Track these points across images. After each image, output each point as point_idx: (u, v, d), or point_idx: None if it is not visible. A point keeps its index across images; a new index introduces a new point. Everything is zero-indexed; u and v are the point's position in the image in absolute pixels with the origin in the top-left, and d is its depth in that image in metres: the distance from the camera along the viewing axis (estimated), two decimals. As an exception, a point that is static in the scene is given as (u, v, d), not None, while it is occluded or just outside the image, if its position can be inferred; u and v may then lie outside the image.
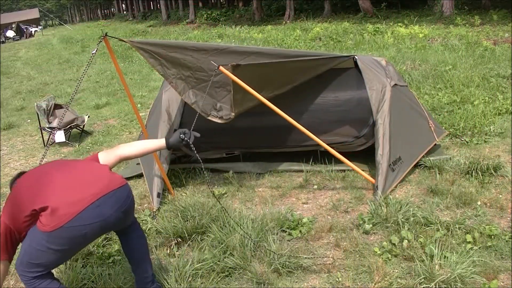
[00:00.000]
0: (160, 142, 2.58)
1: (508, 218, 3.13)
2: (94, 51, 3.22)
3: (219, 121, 3.52)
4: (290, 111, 4.05)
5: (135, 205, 3.85)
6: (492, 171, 3.73)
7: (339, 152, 3.72)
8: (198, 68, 3.34)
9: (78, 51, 18.39)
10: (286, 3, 22.32)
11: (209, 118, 3.54)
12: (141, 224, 3.44)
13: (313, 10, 22.61)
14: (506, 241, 2.84)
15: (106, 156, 2.53)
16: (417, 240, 2.90)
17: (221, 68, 3.19)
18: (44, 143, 6.07)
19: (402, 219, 3.10)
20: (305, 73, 3.87)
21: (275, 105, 3.51)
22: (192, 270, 2.75)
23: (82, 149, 5.76)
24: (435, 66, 7.56)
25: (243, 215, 3.28)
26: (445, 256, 2.63)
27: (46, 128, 5.97)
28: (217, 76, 3.26)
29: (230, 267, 2.79)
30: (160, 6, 36.64)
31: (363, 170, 3.98)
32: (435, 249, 2.69)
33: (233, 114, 3.45)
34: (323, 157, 4.25)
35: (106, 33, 3.20)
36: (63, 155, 5.58)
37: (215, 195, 3.30)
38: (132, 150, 2.55)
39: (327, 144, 3.85)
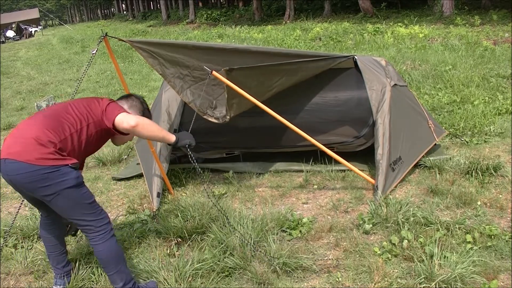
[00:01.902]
0: (171, 137, 2.58)
1: (508, 218, 3.13)
2: (94, 51, 3.22)
3: (215, 121, 3.52)
4: (290, 111, 4.06)
5: (135, 205, 3.87)
6: (492, 171, 3.73)
7: (339, 152, 3.73)
8: (196, 67, 3.34)
9: (78, 51, 18.39)
10: (286, 3, 22.33)
11: (205, 117, 3.54)
12: (141, 224, 3.45)
13: (313, 10, 22.62)
14: (506, 241, 2.84)
15: (125, 118, 2.39)
16: (417, 240, 2.90)
17: (214, 73, 3.17)
18: (44, 143, 6.06)
19: (402, 219, 3.10)
20: (303, 74, 3.86)
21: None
22: (192, 270, 2.75)
23: (82, 149, 5.76)
24: (435, 66, 7.56)
25: (243, 215, 3.28)
26: (445, 256, 2.63)
27: (46, 128, 5.96)
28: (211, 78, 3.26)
29: (230, 267, 2.79)
30: (160, 6, 36.65)
31: (362, 170, 3.99)
32: (435, 249, 2.69)
33: (228, 117, 3.44)
34: (323, 157, 4.25)
35: (106, 33, 3.20)
36: (63, 155, 5.58)
37: (210, 196, 3.30)
38: (149, 129, 2.46)
39: (327, 144, 3.85)
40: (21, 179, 2.21)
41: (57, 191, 2.22)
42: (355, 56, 4.07)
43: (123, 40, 3.28)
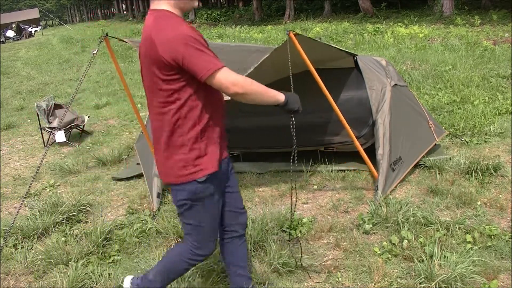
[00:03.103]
0: (280, 96, 2.02)
1: (508, 218, 3.13)
2: (94, 51, 3.23)
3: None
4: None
5: (135, 205, 3.87)
6: (492, 171, 3.73)
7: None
8: None
9: (78, 51, 18.39)
10: (286, 3, 22.33)
11: None
12: (141, 224, 3.46)
13: (313, 10, 22.62)
14: (506, 241, 2.84)
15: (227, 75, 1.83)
16: (417, 240, 2.90)
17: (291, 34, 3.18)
18: (44, 143, 6.07)
19: (402, 219, 3.10)
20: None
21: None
22: (192, 270, 2.75)
23: (82, 149, 5.76)
24: (435, 66, 7.56)
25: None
26: (445, 256, 2.63)
27: (46, 128, 5.97)
28: None
29: (230, 267, 2.79)
30: (160, 6, 36.59)
31: (362, 170, 3.99)
32: (435, 249, 2.69)
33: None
34: (323, 157, 4.25)
35: (106, 33, 3.21)
36: (63, 155, 5.59)
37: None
38: (257, 89, 1.89)
39: (327, 144, 3.86)
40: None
41: None
42: (356, 56, 4.07)
43: (123, 41, 3.29)
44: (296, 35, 3.18)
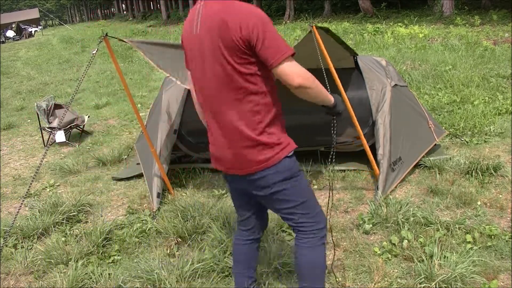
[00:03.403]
0: (331, 97, 2.05)
1: (508, 218, 3.13)
2: (94, 51, 3.22)
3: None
4: (290, 111, 4.05)
5: (135, 205, 3.87)
6: (492, 171, 3.73)
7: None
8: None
9: (78, 51, 18.39)
10: (286, 3, 22.33)
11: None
12: (141, 224, 3.46)
13: (313, 10, 22.62)
14: (506, 241, 2.84)
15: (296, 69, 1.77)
16: (417, 240, 2.90)
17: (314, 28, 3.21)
18: (44, 143, 6.07)
19: (402, 219, 3.10)
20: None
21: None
22: (192, 270, 2.75)
23: (82, 149, 5.76)
24: (435, 66, 7.57)
25: (243, 215, 3.27)
26: (445, 256, 2.63)
27: (46, 128, 5.97)
28: None
29: (230, 267, 2.79)
30: (160, 6, 36.64)
31: (362, 170, 3.99)
32: (435, 249, 2.69)
33: None
34: (323, 157, 4.25)
35: (106, 33, 3.21)
36: (63, 155, 5.59)
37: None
38: (318, 85, 1.86)
39: (327, 145, 3.85)
40: None
41: None
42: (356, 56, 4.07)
43: (123, 41, 3.29)
44: (318, 28, 3.20)
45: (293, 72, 1.73)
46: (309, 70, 1.83)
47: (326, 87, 1.98)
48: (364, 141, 3.61)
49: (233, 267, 2.35)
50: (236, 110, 1.85)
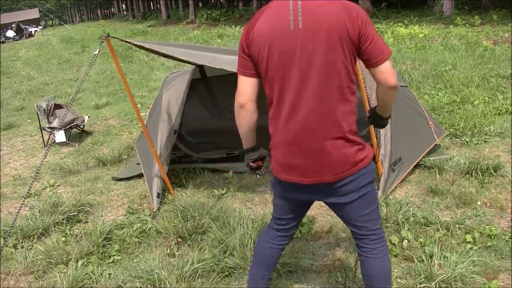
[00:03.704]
0: None
1: (508, 218, 3.13)
2: (96, 52, 3.22)
3: None
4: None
5: (135, 205, 3.87)
6: (492, 171, 3.73)
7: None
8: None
9: (78, 51, 18.39)
10: (286, 3, 22.30)
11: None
12: (141, 224, 3.46)
13: (313, 10, 22.57)
14: (506, 241, 2.84)
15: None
16: (417, 240, 2.90)
17: None
18: (44, 143, 6.07)
19: (402, 219, 3.10)
20: None
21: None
22: (192, 270, 2.75)
23: (82, 149, 5.77)
24: (435, 66, 7.57)
25: (243, 215, 3.28)
26: (445, 256, 2.63)
27: (46, 128, 5.97)
28: None
29: (230, 267, 2.79)
30: (160, 6, 36.64)
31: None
32: (435, 249, 2.69)
33: None
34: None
35: (108, 34, 3.21)
36: (63, 155, 5.59)
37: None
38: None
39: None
40: None
41: None
42: None
43: (125, 41, 3.29)
44: None
45: (391, 71, 1.73)
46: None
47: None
48: (375, 140, 3.59)
49: (253, 269, 2.22)
50: (340, 110, 1.75)
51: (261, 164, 2.16)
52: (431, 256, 2.66)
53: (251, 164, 2.15)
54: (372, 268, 2.00)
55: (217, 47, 3.82)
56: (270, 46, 1.75)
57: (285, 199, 2.05)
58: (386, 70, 1.72)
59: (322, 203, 3.63)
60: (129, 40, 3.28)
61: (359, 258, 2.05)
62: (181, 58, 3.50)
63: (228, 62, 3.16)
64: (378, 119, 2.03)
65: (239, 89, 1.89)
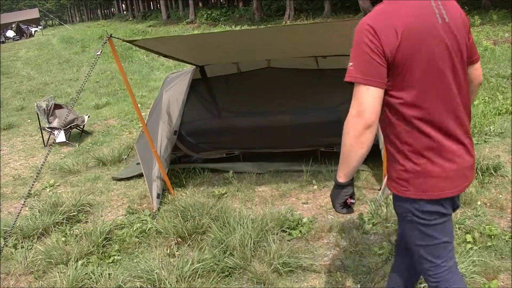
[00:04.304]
0: None
1: (508, 218, 3.13)
2: (98, 53, 3.23)
3: None
4: (290, 112, 4.06)
5: (135, 205, 3.87)
6: (492, 171, 3.73)
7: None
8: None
9: (78, 51, 18.39)
10: (286, 3, 22.33)
11: None
12: (141, 224, 3.46)
13: (313, 10, 22.63)
14: (506, 241, 2.84)
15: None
16: (417, 240, 2.89)
17: None
18: (44, 143, 6.07)
19: (402, 219, 3.09)
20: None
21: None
22: (192, 270, 2.75)
23: (82, 149, 5.77)
24: (435, 66, 7.55)
25: (243, 215, 3.28)
26: (445, 256, 2.63)
27: (46, 128, 5.97)
28: None
29: (230, 267, 2.79)
30: (160, 6, 36.65)
31: (362, 170, 3.99)
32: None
33: None
34: (323, 157, 4.25)
35: (111, 34, 3.22)
36: (63, 155, 5.59)
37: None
38: None
39: (327, 145, 3.84)
40: None
41: None
42: None
43: (127, 41, 3.29)
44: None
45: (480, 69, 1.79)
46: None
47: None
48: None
49: None
50: (467, 112, 1.67)
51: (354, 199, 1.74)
52: (431, 256, 2.65)
53: (350, 200, 1.70)
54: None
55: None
56: (423, 43, 1.49)
57: (446, 220, 1.67)
58: (480, 68, 1.76)
59: (322, 203, 3.64)
60: (132, 40, 3.28)
61: None
62: (182, 58, 3.53)
63: None
64: None
65: (364, 104, 1.56)
